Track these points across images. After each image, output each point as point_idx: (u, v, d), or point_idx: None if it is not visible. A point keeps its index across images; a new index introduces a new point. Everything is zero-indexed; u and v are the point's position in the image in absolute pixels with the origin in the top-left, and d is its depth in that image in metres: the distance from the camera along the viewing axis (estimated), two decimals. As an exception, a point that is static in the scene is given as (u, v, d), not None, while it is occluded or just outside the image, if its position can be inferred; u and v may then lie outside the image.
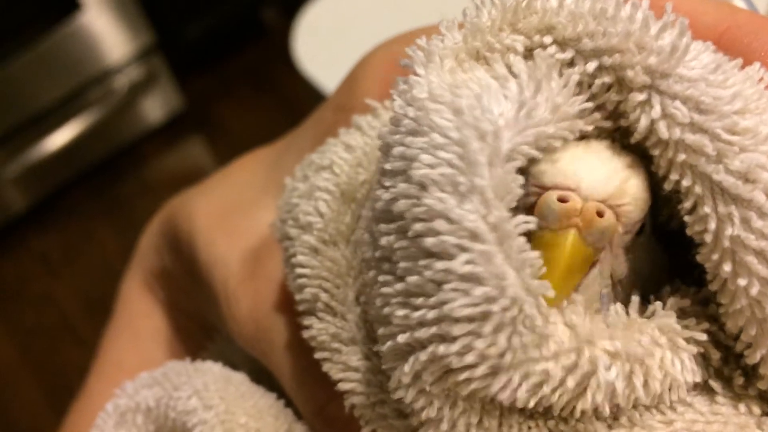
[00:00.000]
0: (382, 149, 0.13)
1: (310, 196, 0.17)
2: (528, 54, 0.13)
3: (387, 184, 0.12)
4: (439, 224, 0.11)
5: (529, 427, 0.13)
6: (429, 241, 0.11)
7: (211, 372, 0.23)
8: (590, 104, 0.13)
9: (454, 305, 0.11)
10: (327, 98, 0.22)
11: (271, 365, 0.22)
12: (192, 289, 0.26)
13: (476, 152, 0.11)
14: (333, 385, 0.17)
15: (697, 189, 0.12)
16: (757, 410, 0.13)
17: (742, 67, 0.13)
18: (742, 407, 0.13)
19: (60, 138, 1.48)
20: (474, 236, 0.11)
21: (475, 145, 0.11)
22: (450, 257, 0.11)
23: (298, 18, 0.70)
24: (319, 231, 0.17)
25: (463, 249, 0.11)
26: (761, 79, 0.12)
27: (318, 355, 0.17)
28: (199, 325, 0.28)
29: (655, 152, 0.12)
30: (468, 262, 0.11)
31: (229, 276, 0.23)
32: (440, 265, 0.11)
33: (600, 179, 0.12)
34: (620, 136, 0.13)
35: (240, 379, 0.23)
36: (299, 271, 0.17)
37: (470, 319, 0.11)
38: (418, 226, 0.12)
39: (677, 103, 0.11)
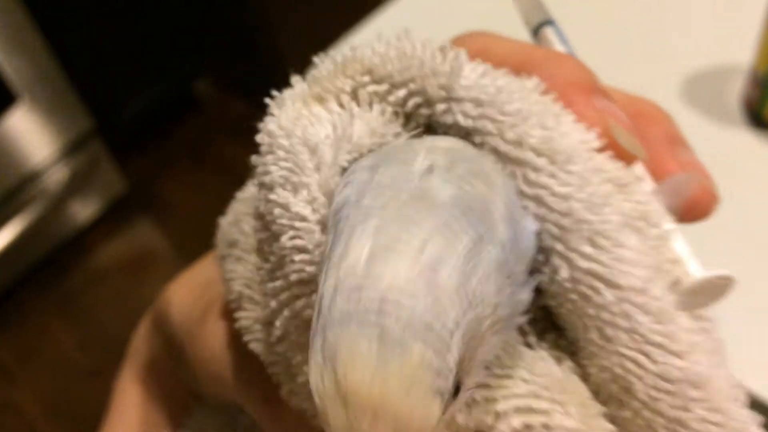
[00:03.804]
0: (254, 169, 0.17)
1: (235, 222, 0.22)
2: (354, 93, 0.17)
3: (258, 193, 0.17)
4: (278, 212, 0.16)
5: None
6: (274, 227, 0.16)
7: None
8: (401, 129, 0.17)
9: (290, 270, 0.16)
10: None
11: (233, 390, 0.23)
12: (175, 366, 0.27)
13: (305, 161, 0.16)
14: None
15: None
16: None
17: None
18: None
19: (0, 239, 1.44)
20: (299, 217, 0.15)
21: (305, 155, 0.16)
22: (284, 234, 0.16)
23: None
24: (242, 245, 0.21)
25: (292, 227, 0.16)
26: (531, 85, 0.17)
27: (245, 338, 0.20)
28: (182, 405, 0.28)
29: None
30: (294, 237, 0.15)
31: (191, 325, 0.25)
32: (280, 242, 0.16)
33: None
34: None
35: None
36: (228, 275, 0.21)
37: (302, 282, 0.16)
38: (269, 217, 0.16)
39: (465, 103, 0.16)
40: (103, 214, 1.64)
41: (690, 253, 0.17)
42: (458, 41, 0.19)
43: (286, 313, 0.16)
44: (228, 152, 1.76)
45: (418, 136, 0.17)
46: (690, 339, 0.15)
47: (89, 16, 1.53)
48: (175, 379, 0.28)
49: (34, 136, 1.45)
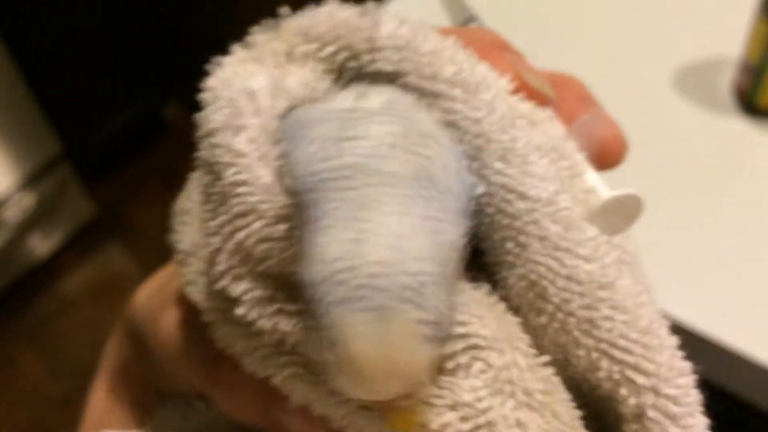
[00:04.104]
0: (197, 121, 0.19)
1: (187, 194, 0.23)
2: (289, 55, 0.19)
3: (202, 144, 0.18)
4: (219, 152, 0.17)
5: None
6: (216, 167, 0.17)
7: None
8: (331, 84, 0.19)
9: (232, 204, 0.17)
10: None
11: (184, 369, 0.23)
12: (142, 368, 0.27)
13: (244, 105, 0.17)
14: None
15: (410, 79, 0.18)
16: None
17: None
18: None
19: (-33, 266, 1.42)
20: (240, 154, 0.17)
21: (243, 101, 0.17)
22: (226, 171, 0.17)
23: None
24: (191, 210, 0.22)
25: (233, 164, 0.17)
26: (451, 40, 0.19)
27: (186, 290, 0.21)
28: (151, 408, 0.29)
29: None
30: (235, 173, 0.17)
31: (151, 317, 0.26)
32: (223, 179, 0.17)
33: None
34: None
35: None
36: (176, 238, 0.22)
37: (244, 214, 0.17)
38: (211, 160, 0.17)
39: (386, 50, 0.18)
40: (71, 240, 1.62)
41: (601, 182, 0.18)
42: None
43: (229, 246, 0.17)
44: (198, 176, 1.75)
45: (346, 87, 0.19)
46: (595, 244, 0.17)
47: (59, 39, 1.52)
48: (144, 382, 0.28)
49: (1, 161, 1.44)
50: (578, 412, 0.17)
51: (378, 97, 0.17)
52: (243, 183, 0.17)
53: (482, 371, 0.17)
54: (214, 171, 0.17)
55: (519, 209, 0.17)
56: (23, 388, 1.43)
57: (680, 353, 0.18)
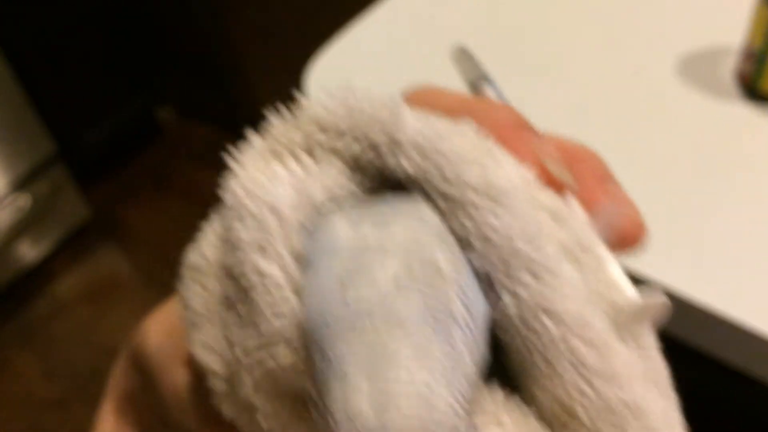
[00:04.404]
0: (220, 223, 0.19)
1: (198, 248, 0.23)
2: (308, 146, 0.19)
3: (227, 252, 0.18)
4: (248, 270, 0.17)
5: None
6: (243, 281, 0.17)
7: None
8: (356, 187, 0.19)
9: (263, 329, 0.17)
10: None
11: (197, 424, 0.24)
12: (150, 401, 0.27)
13: (271, 225, 0.17)
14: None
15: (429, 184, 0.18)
16: None
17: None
18: None
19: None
20: (269, 277, 0.17)
21: (270, 220, 0.17)
22: (260, 297, 0.17)
23: (308, 73, 0.70)
24: (203, 268, 0.22)
25: (265, 288, 0.17)
26: (467, 127, 0.18)
27: (201, 360, 0.21)
28: None
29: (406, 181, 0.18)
30: (269, 300, 0.17)
31: (163, 364, 0.26)
32: (255, 303, 0.17)
33: None
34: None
35: None
36: (185, 294, 0.22)
37: (274, 342, 0.17)
38: (240, 276, 0.17)
39: (407, 148, 0.17)
40: (65, 242, 1.62)
41: (625, 277, 0.18)
42: (407, 96, 0.21)
43: (256, 368, 0.17)
44: (192, 178, 1.75)
45: (369, 187, 0.19)
46: (628, 369, 0.16)
47: (53, 41, 1.52)
48: (150, 412, 0.29)
49: (-7, 165, 1.44)
50: None
51: (387, 227, 0.17)
52: (278, 313, 0.17)
53: None
54: (241, 285, 0.17)
55: (550, 330, 0.16)
56: (18, 390, 1.42)
57: None
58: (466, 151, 0.17)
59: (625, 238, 0.19)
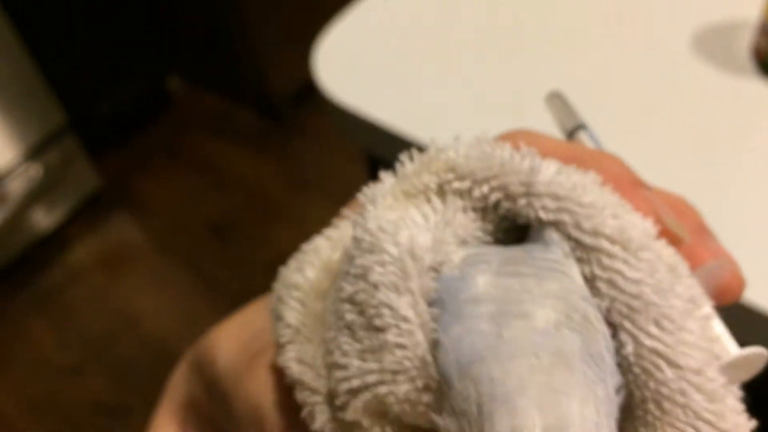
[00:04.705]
0: (346, 258, 0.19)
1: (298, 269, 0.23)
2: (440, 189, 0.19)
3: (351, 281, 0.19)
4: (385, 311, 0.18)
5: None
6: (376, 321, 0.18)
7: None
8: (479, 231, 0.19)
9: (388, 360, 0.18)
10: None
11: None
12: (214, 410, 0.28)
13: (410, 268, 0.18)
14: None
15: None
16: None
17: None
18: None
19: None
20: (404, 319, 0.17)
21: (409, 263, 0.18)
22: (388, 331, 0.18)
23: (317, 47, 0.70)
24: (303, 287, 0.22)
25: (397, 327, 0.18)
26: (593, 179, 0.19)
27: (296, 384, 0.21)
28: None
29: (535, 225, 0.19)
30: (398, 335, 0.17)
31: (237, 372, 0.26)
32: (382, 336, 0.18)
33: None
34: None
35: None
36: (281, 309, 0.22)
37: (395, 372, 0.18)
38: (371, 311, 0.18)
39: (544, 198, 0.18)
40: (78, 211, 1.64)
41: (726, 331, 0.19)
42: (505, 137, 0.21)
43: (367, 393, 0.18)
44: (203, 147, 1.76)
45: (491, 232, 0.19)
46: (736, 419, 0.17)
47: (63, 10, 1.52)
48: (212, 423, 0.29)
49: (6, 132, 1.44)
50: None
51: (531, 277, 0.17)
52: (402, 346, 0.17)
53: None
54: (372, 321, 0.18)
55: (667, 377, 0.17)
56: (34, 358, 1.45)
57: None
58: (601, 204, 0.18)
59: (726, 292, 0.20)
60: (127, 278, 1.54)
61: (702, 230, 0.21)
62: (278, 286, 0.23)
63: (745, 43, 0.65)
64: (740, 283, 0.20)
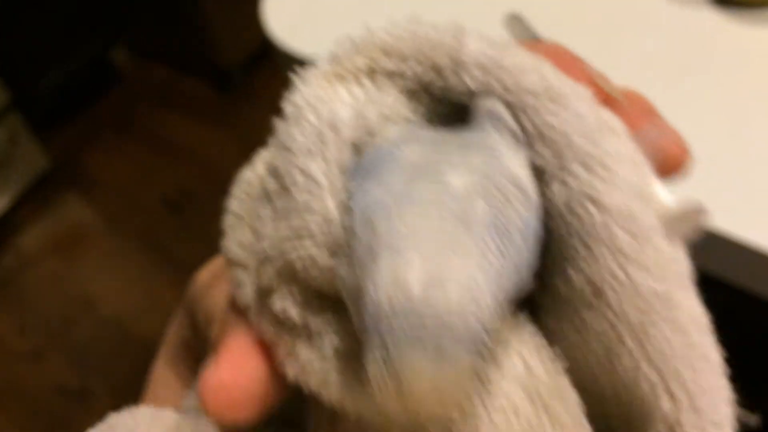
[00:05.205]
0: (275, 130, 0.20)
1: (251, 166, 0.23)
2: (371, 71, 0.20)
3: (272, 151, 0.20)
4: (298, 174, 0.18)
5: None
6: (289, 184, 0.19)
7: (161, 420, 0.24)
8: (410, 113, 0.20)
9: (296, 225, 0.18)
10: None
11: None
12: (200, 347, 0.28)
13: (328, 138, 0.18)
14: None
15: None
16: None
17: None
18: None
19: None
20: (316, 183, 0.18)
21: (328, 133, 0.18)
22: (299, 194, 0.18)
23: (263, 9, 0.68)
24: (251, 182, 0.23)
25: (308, 191, 0.18)
26: (525, 50, 0.19)
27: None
28: None
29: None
30: (308, 198, 0.18)
31: (201, 294, 0.27)
32: (294, 200, 0.18)
33: None
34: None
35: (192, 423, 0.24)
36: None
37: (302, 237, 0.18)
38: (286, 177, 0.19)
39: (471, 67, 0.18)
40: (27, 192, 1.60)
41: (665, 191, 0.19)
42: None
43: (280, 259, 0.19)
44: (153, 120, 1.72)
45: (423, 115, 0.20)
46: (663, 260, 0.18)
47: (-6, -14, 1.46)
48: (199, 357, 0.29)
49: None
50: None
51: (459, 149, 0.17)
52: (311, 210, 0.18)
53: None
54: (284, 185, 0.19)
55: (592, 215, 0.17)
56: (-9, 345, 1.42)
57: (724, 376, 0.18)
58: (525, 63, 0.18)
59: (668, 161, 0.20)
60: (82, 259, 1.51)
61: (651, 111, 0.21)
62: (233, 185, 0.24)
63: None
64: (683, 152, 0.20)
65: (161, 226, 1.54)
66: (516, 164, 0.18)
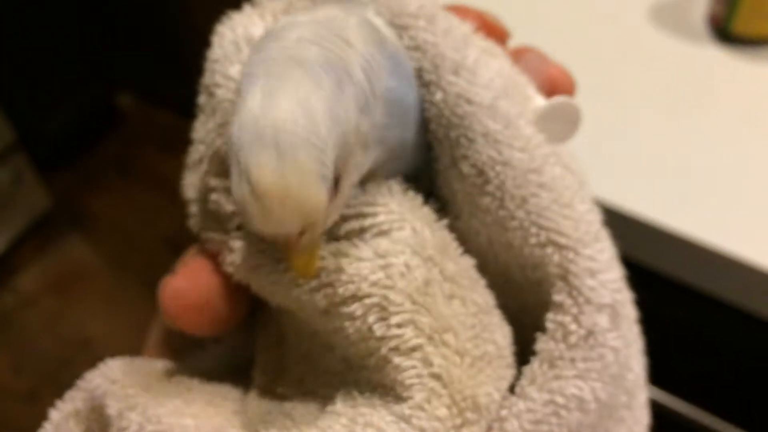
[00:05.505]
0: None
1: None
2: (287, 11, 0.24)
3: (205, 68, 0.23)
4: (218, 77, 0.23)
5: None
6: (212, 88, 0.23)
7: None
8: None
9: (218, 116, 0.23)
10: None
11: None
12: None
13: (243, 47, 0.23)
14: None
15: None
16: None
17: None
18: None
19: None
20: (231, 79, 0.22)
21: (243, 43, 0.23)
22: (219, 90, 0.23)
23: None
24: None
25: (225, 86, 0.22)
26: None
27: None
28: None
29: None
30: (224, 92, 0.23)
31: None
32: (216, 97, 0.23)
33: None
34: None
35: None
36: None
37: (224, 124, 0.23)
38: (209, 81, 0.23)
39: (372, 3, 0.23)
40: (28, 232, 1.60)
41: (545, 100, 0.23)
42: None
43: (210, 150, 0.23)
44: (155, 164, 1.73)
45: None
46: (528, 140, 0.21)
47: (10, 26, 1.49)
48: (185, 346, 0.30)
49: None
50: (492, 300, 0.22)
51: (318, 10, 0.21)
52: (228, 101, 0.22)
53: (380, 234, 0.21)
54: (210, 91, 0.23)
55: (467, 111, 0.21)
56: (-13, 385, 1.41)
57: (598, 223, 0.22)
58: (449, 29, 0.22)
59: (554, 83, 0.23)
60: (81, 301, 1.51)
61: (539, 53, 0.24)
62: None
63: (701, 11, 0.67)
64: (563, 74, 0.24)
65: (162, 268, 1.53)
66: (380, 23, 0.22)
